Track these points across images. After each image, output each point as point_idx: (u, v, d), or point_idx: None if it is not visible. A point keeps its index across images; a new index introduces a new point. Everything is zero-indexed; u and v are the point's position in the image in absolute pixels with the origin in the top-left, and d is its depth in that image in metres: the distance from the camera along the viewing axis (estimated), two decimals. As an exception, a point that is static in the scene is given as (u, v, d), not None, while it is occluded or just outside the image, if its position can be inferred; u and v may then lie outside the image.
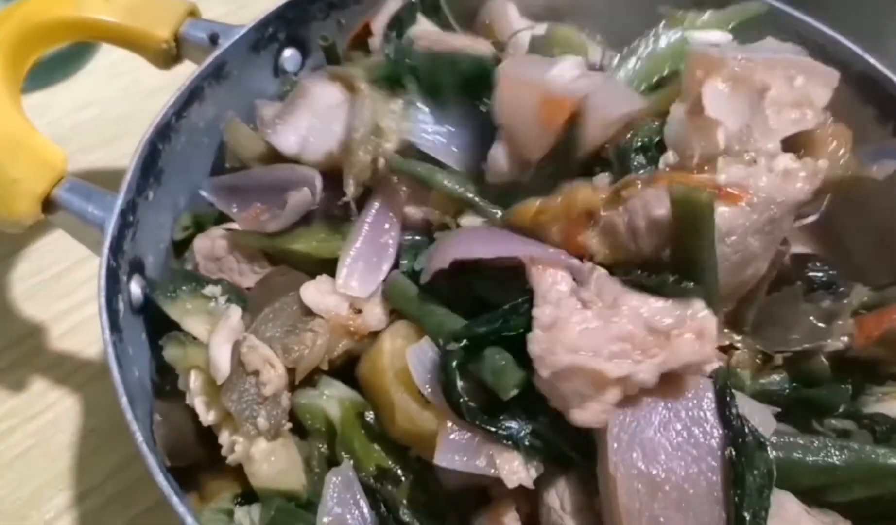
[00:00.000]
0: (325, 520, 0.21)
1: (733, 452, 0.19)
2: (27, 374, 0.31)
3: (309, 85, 0.28)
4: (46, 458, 0.29)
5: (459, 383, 0.20)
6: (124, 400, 0.21)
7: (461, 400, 0.20)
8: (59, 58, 0.40)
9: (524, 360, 0.20)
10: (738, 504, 0.19)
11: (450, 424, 0.21)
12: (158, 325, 0.25)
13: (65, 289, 0.34)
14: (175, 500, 0.19)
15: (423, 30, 0.28)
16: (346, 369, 0.24)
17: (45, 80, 0.41)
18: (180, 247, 0.29)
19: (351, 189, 0.24)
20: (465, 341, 0.21)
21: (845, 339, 0.25)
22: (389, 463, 0.22)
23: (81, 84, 0.41)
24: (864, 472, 0.22)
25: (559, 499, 0.22)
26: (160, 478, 0.19)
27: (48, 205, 0.25)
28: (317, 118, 0.27)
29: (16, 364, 0.31)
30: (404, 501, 0.22)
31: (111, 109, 0.40)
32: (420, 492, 0.22)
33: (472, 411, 0.21)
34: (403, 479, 0.22)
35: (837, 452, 0.22)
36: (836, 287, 0.27)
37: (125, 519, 0.28)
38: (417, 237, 0.25)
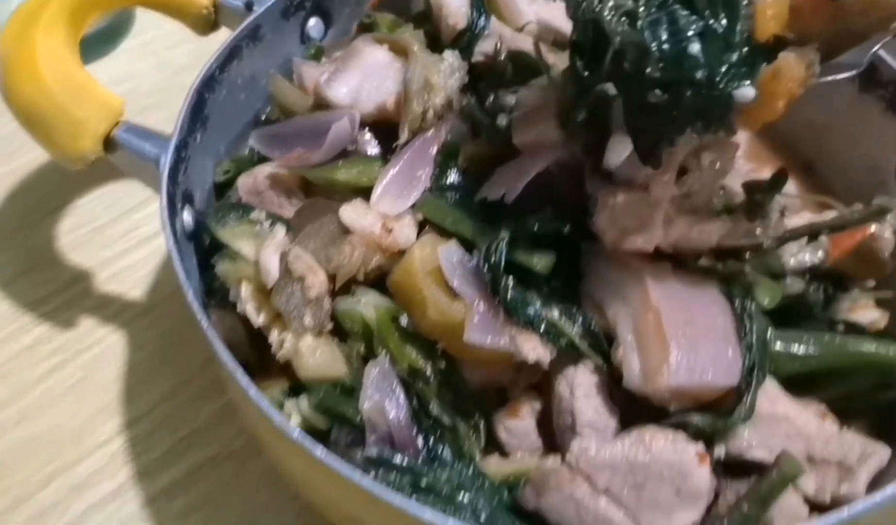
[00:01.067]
0: (367, 404, 0.24)
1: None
2: (75, 315, 0.34)
3: (360, 46, 0.32)
4: (97, 388, 0.32)
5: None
6: (190, 293, 0.24)
7: (502, 281, 0.24)
8: (95, 38, 0.44)
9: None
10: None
11: (477, 310, 0.24)
12: (206, 255, 0.28)
13: (107, 240, 0.37)
14: (238, 372, 0.22)
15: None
16: (378, 285, 0.27)
17: (83, 59, 0.44)
18: (220, 191, 0.32)
19: (405, 135, 0.28)
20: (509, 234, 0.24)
21: (821, 254, 0.29)
22: (420, 362, 0.25)
23: (116, 62, 0.44)
24: (840, 360, 0.25)
25: (569, 387, 0.24)
26: (224, 354, 0.22)
27: (108, 143, 0.28)
28: (366, 76, 0.30)
29: (64, 306, 0.34)
30: (434, 397, 0.25)
31: (144, 84, 0.43)
32: (447, 389, 0.25)
33: (507, 290, 0.23)
34: (432, 378, 0.25)
35: (814, 341, 0.25)
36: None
37: (172, 441, 0.31)
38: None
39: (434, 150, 0.28)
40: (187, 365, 0.33)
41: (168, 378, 0.32)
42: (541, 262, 0.25)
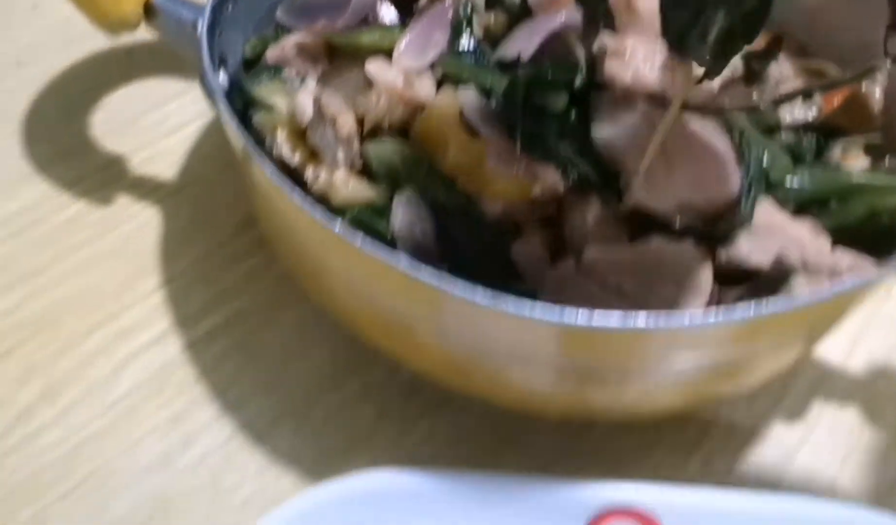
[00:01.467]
0: (397, 223, 0.26)
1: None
2: (111, 193, 0.36)
3: None
4: (134, 254, 0.34)
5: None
6: (238, 125, 0.26)
7: (518, 117, 0.26)
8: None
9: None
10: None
11: (495, 143, 0.26)
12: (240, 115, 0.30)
13: (138, 130, 0.39)
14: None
15: None
16: (402, 137, 0.29)
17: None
18: (248, 68, 0.34)
19: None
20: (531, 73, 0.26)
21: (814, 110, 0.31)
22: (443, 197, 0.27)
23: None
24: (832, 189, 0.27)
25: (581, 215, 0.27)
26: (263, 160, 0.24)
27: (148, 9, 0.30)
28: None
29: (101, 185, 0.36)
30: (452, 227, 0.27)
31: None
32: (468, 222, 0.27)
33: (522, 125, 0.26)
34: (454, 212, 0.27)
35: (808, 172, 0.27)
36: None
37: (207, 296, 0.33)
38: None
39: (450, 15, 0.30)
40: (219, 233, 0.35)
41: (201, 243, 0.34)
42: (555, 102, 0.27)
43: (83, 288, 0.33)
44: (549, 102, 0.26)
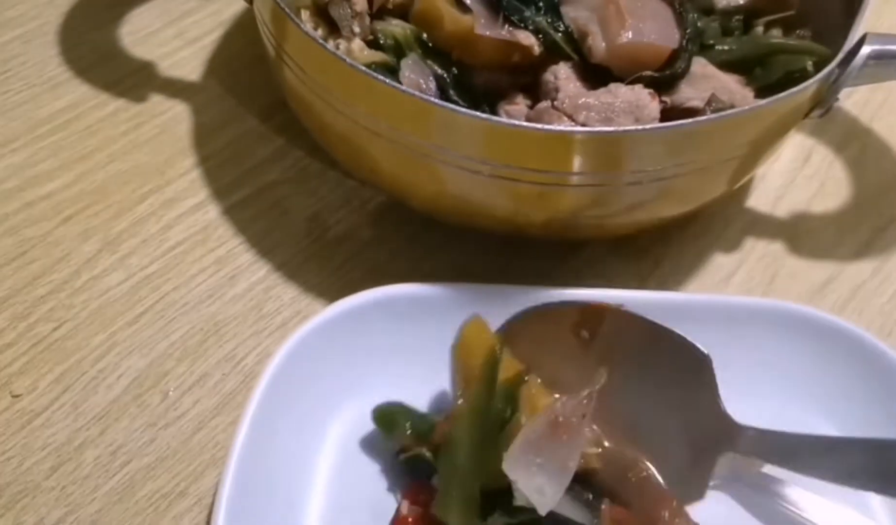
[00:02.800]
0: (405, 79, 0.32)
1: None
2: (145, 92, 0.41)
3: None
4: (172, 138, 0.39)
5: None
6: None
7: None
8: None
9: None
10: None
11: (483, 16, 0.32)
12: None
13: (162, 41, 0.44)
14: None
15: None
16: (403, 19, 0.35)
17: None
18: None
19: None
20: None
21: None
22: (439, 69, 0.33)
23: None
24: (756, 50, 0.34)
25: (553, 74, 0.33)
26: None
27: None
28: None
29: (135, 85, 0.42)
30: (449, 89, 0.33)
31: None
32: (461, 87, 0.33)
33: (505, 3, 0.32)
34: (449, 79, 0.33)
35: (735, 38, 0.35)
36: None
37: (239, 171, 0.38)
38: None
39: None
40: (245, 123, 0.40)
41: (230, 131, 0.40)
42: None
43: (128, 167, 0.38)
44: None
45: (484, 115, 0.28)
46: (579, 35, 0.33)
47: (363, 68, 0.28)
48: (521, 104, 0.34)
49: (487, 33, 0.32)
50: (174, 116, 0.40)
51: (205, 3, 0.46)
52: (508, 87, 0.35)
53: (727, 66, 0.34)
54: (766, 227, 0.39)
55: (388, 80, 0.28)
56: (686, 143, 0.29)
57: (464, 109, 0.28)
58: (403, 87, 0.28)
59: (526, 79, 0.34)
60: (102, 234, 0.35)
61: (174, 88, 0.42)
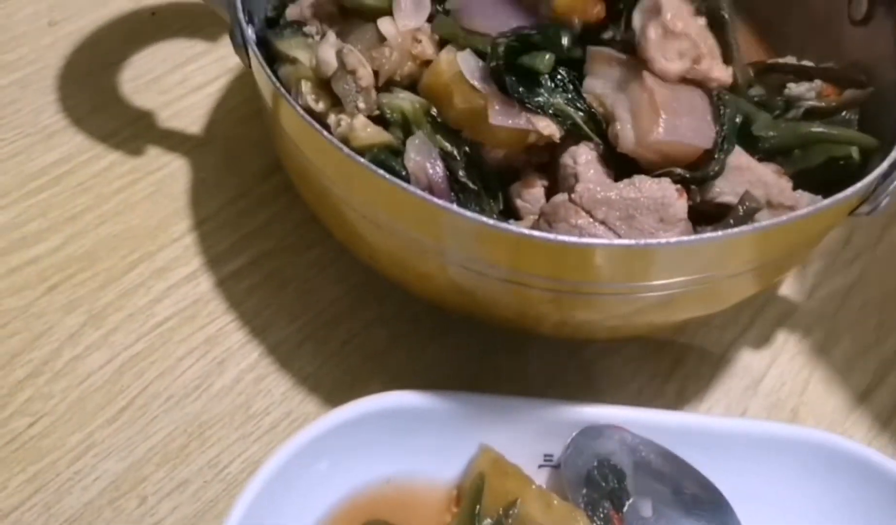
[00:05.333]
0: (411, 163, 0.30)
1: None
2: (143, 145, 0.40)
3: None
4: (167, 198, 0.38)
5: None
6: (271, 74, 0.29)
7: (506, 78, 0.29)
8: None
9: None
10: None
11: (495, 99, 0.30)
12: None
13: (164, 87, 0.42)
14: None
15: None
16: (411, 90, 0.32)
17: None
18: (270, 25, 0.37)
19: None
20: (512, 39, 0.29)
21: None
22: (449, 146, 0.31)
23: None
24: (795, 139, 0.31)
25: (572, 158, 0.30)
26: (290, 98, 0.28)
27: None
28: None
29: (132, 137, 0.40)
30: (459, 170, 0.31)
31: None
32: (472, 167, 0.31)
33: (514, 85, 0.29)
34: (459, 158, 0.31)
35: (773, 124, 0.31)
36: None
37: (235, 237, 0.37)
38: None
39: None
40: (245, 180, 0.39)
41: (229, 190, 0.38)
42: (542, 62, 0.30)
43: (120, 230, 0.37)
44: (537, 64, 0.30)
45: (491, 222, 0.25)
46: (604, 117, 0.31)
47: (363, 161, 0.26)
48: (537, 186, 0.32)
49: (504, 123, 0.29)
50: (171, 173, 0.39)
51: (212, 47, 0.44)
52: (524, 164, 0.32)
53: (764, 153, 0.32)
54: (800, 319, 0.36)
55: (389, 177, 0.26)
56: (714, 255, 0.27)
57: (470, 214, 0.25)
58: (406, 186, 0.26)
59: (543, 157, 0.32)
60: (88, 306, 0.34)
61: (173, 141, 0.40)
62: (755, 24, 0.41)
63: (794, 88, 0.34)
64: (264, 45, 0.35)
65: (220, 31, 0.44)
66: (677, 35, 0.30)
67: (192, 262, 0.36)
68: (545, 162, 0.32)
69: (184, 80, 0.43)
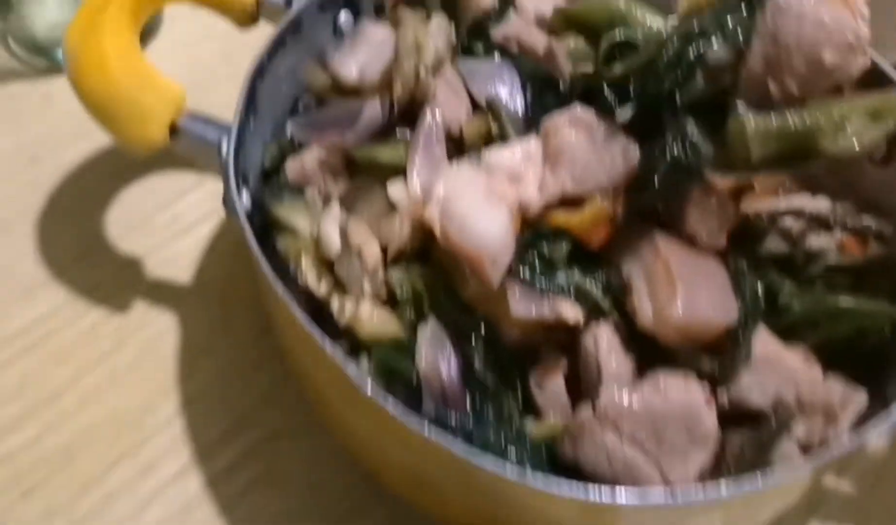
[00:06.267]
0: (423, 363, 0.27)
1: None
2: (129, 299, 0.37)
3: (365, 26, 0.36)
4: (154, 368, 0.34)
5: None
6: (265, 265, 0.26)
7: (523, 269, 0.27)
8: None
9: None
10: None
11: (515, 286, 0.27)
12: (258, 236, 0.31)
13: (152, 229, 0.39)
14: (310, 325, 0.24)
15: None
16: (423, 255, 0.29)
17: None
18: (266, 175, 0.34)
19: (398, 89, 0.31)
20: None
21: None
22: (464, 325, 0.28)
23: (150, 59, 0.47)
24: (821, 312, 0.28)
25: (594, 342, 0.28)
26: (301, 315, 0.25)
27: (173, 130, 0.31)
28: (372, 51, 0.34)
29: (118, 291, 0.37)
30: (478, 358, 0.28)
31: (176, 80, 0.46)
32: (489, 350, 0.28)
33: (533, 276, 0.27)
34: (475, 342, 0.28)
35: (798, 295, 0.28)
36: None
37: (228, 421, 0.33)
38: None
39: (436, 131, 0.31)
40: (236, 342, 0.35)
41: (219, 355, 0.35)
42: (559, 252, 0.27)
43: (103, 415, 0.33)
44: (555, 255, 0.27)
45: (511, 476, 0.22)
46: (622, 287, 0.28)
47: (368, 390, 0.23)
48: (558, 375, 0.28)
49: (528, 314, 0.26)
50: (158, 333, 0.36)
51: (203, 179, 0.42)
52: (542, 342, 0.29)
53: (788, 328, 0.28)
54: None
55: (399, 417, 0.23)
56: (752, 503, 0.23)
57: (488, 465, 0.22)
58: (414, 428, 0.22)
59: (562, 336, 0.29)
60: (67, 517, 0.30)
61: (161, 294, 0.37)
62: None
63: (814, 241, 0.31)
64: (260, 208, 0.32)
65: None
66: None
67: (181, 453, 0.32)
68: (566, 340, 0.29)
69: (173, 220, 0.40)
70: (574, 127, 0.28)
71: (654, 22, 0.31)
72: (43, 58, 0.46)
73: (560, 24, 0.33)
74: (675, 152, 0.26)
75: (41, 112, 0.44)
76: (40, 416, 0.33)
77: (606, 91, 0.28)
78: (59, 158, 0.42)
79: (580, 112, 0.28)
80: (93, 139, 0.42)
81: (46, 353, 0.35)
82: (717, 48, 0.27)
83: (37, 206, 0.40)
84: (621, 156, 0.27)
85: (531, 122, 0.33)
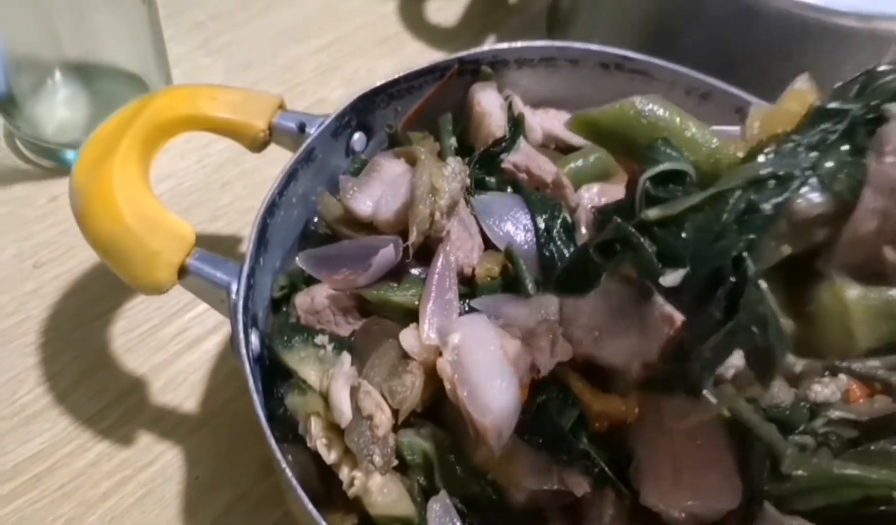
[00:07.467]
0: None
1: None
2: (133, 430, 0.36)
3: (380, 161, 0.35)
4: (158, 506, 0.34)
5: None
6: (271, 436, 0.25)
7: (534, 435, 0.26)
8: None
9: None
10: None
11: (524, 458, 0.26)
12: (267, 378, 0.30)
13: (159, 343, 0.39)
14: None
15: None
16: (433, 412, 0.29)
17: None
18: (276, 305, 0.34)
19: (413, 236, 0.31)
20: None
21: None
22: (473, 490, 0.28)
23: (160, 160, 0.47)
24: (825, 482, 0.26)
25: (598, 514, 0.27)
26: (307, 504, 0.24)
27: (181, 271, 0.30)
28: (386, 186, 0.34)
29: (122, 420, 0.36)
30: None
31: (186, 181, 0.46)
32: (496, 515, 0.28)
33: (543, 445, 0.27)
34: (483, 505, 0.28)
35: (803, 466, 0.26)
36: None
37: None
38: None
39: (449, 274, 0.31)
40: (242, 478, 0.35)
41: (225, 493, 0.34)
42: (567, 416, 0.27)
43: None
44: (564, 419, 0.27)
45: None
46: (629, 460, 0.27)
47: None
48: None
49: (539, 486, 0.26)
50: (162, 469, 0.35)
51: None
52: (549, 507, 0.28)
53: (791, 493, 0.26)
54: None
55: None
56: None
57: None
58: None
59: (569, 498, 0.28)
60: None
61: (166, 425, 0.36)
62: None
63: (819, 392, 0.30)
64: (269, 347, 0.31)
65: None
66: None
67: None
68: (571, 503, 0.28)
69: (180, 332, 0.39)
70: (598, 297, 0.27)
71: (710, 143, 0.23)
72: (51, 159, 0.46)
73: (581, 131, 0.26)
74: (744, 330, 0.20)
75: (47, 215, 0.44)
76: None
77: (642, 240, 0.21)
78: (63, 265, 0.41)
79: (606, 284, 0.25)
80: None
81: (46, 493, 0.34)
82: (809, 197, 0.20)
83: (38, 317, 0.39)
84: (657, 325, 0.23)
85: (543, 261, 0.33)
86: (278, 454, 0.25)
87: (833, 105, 0.21)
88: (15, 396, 0.36)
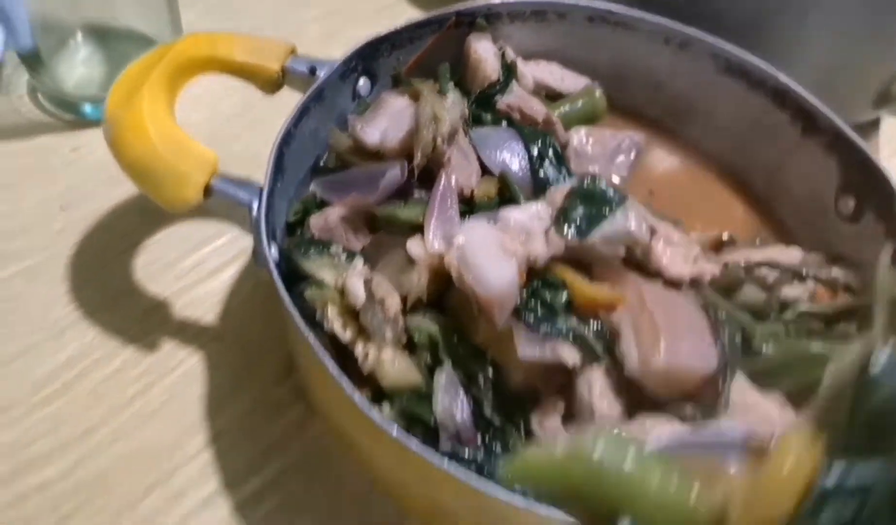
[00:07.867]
0: (440, 408, 0.30)
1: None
2: (157, 340, 0.39)
3: (385, 97, 0.39)
4: (182, 408, 0.37)
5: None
6: (296, 315, 0.29)
7: (526, 314, 0.30)
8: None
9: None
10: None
11: (521, 332, 0.30)
12: (287, 283, 0.33)
13: (179, 273, 0.42)
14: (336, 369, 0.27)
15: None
16: (438, 304, 0.32)
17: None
18: (291, 229, 0.37)
19: (418, 158, 0.35)
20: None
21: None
22: (474, 368, 0.31)
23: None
24: (793, 358, 0.31)
25: (587, 387, 0.31)
26: (330, 363, 0.27)
27: (206, 191, 0.34)
28: (392, 118, 0.38)
29: (146, 332, 0.40)
30: (486, 400, 0.31)
31: (199, 132, 0.48)
32: (496, 392, 0.31)
33: (536, 321, 0.30)
34: (483, 382, 0.31)
35: (773, 344, 0.31)
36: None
37: (253, 452, 0.35)
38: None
39: (450, 193, 0.35)
40: (262, 383, 0.38)
41: (245, 395, 0.38)
42: (559, 301, 0.31)
43: (134, 448, 0.35)
44: (555, 302, 0.31)
45: (522, 504, 0.25)
46: (611, 333, 0.31)
47: (394, 433, 0.26)
48: (556, 414, 0.31)
49: (533, 356, 0.29)
50: (185, 375, 0.38)
51: (228, 226, 0.44)
52: (544, 387, 0.32)
53: (764, 373, 0.31)
54: None
55: (422, 455, 0.26)
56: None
57: (499, 494, 0.25)
58: (435, 463, 0.25)
59: (562, 378, 0.32)
60: None
61: (187, 335, 0.40)
62: (755, 204, 0.42)
63: (788, 291, 0.34)
64: (287, 259, 0.35)
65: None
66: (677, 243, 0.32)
67: (210, 482, 0.34)
68: (565, 383, 0.32)
69: (199, 263, 0.43)
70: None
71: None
72: (71, 112, 0.50)
73: (520, 482, 0.27)
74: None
75: (70, 164, 0.47)
76: (74, 448, 0.35)
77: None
78: (87, 207, 0.45)
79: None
80: (121, 188, 0.45)
81: (77, 396, 0.37)
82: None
83: (66, 253, 0.43)
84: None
85: (535, 183, 0.37)
86: (303, 328, 0.28)
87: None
88: (47, 317, 0.39)
